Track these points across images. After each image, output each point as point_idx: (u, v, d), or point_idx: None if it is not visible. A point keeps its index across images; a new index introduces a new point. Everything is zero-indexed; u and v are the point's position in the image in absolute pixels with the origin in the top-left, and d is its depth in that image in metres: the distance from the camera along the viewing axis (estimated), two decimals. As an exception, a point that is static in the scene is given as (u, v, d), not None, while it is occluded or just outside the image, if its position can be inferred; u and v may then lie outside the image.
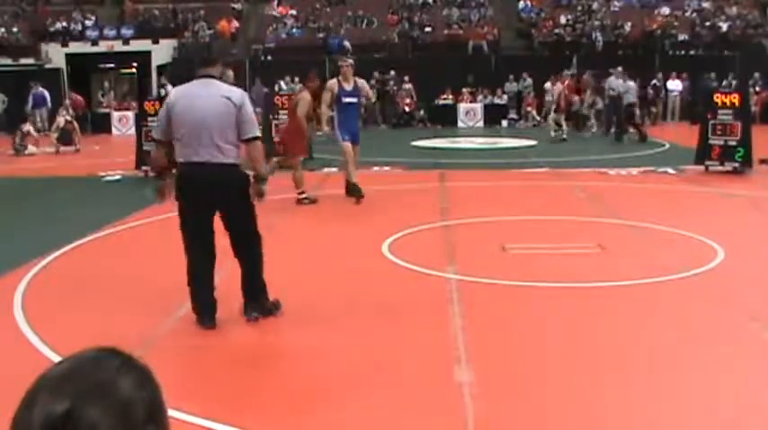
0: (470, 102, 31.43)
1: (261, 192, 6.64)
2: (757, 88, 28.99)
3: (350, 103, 12.74)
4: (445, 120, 30.38)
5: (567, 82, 25.53)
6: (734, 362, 5.78)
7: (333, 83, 12.88)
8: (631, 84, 23.89)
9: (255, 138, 6.53)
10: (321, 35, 34.19)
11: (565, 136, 23.66)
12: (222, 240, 6.66)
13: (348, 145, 12.62)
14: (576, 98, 26.79)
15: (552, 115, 24.54)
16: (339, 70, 13.08)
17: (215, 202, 6.53)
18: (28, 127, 22.76)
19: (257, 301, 6.71)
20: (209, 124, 6.32)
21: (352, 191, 12.67)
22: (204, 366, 5.74)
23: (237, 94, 6.50)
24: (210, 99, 6.38)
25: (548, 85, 29.01)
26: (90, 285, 7.95)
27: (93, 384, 1.23)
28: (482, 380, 5.32)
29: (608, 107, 25.06)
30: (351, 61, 13.26)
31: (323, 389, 5.29)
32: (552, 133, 23.82)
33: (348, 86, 12.73)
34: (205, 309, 6.53)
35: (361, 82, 13.28)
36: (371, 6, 35.90)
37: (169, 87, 26.14)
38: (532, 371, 5.63)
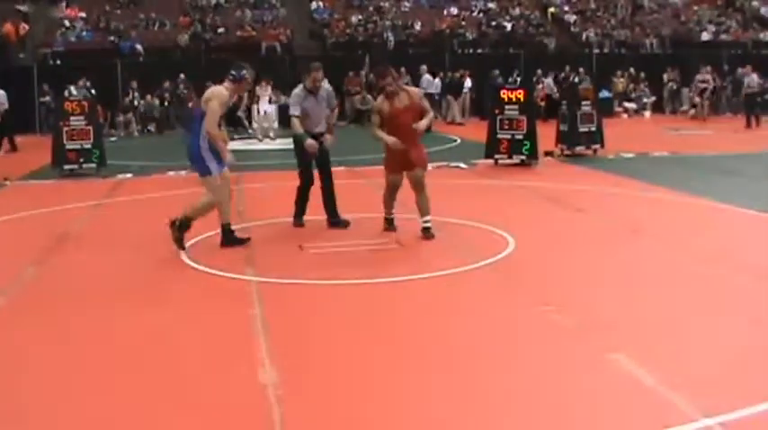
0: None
1: None
2: (541, 85, 30.35)
3: None
4: (239, 122, 30.01)
5: None
6: (529, 345, 6.03)
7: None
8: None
9: None
10: (112, 38, 33.13)
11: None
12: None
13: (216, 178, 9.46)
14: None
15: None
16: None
17: None
18: None
19: None
20: None
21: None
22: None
23: None
24: None
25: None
26: None
27: None
28: (287, 381, 5.31)
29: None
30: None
31: (130, 397, 5.14)
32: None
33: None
34: None
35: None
36: (163, 8, 35.10)
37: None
38: (336, 369, 5.65)
